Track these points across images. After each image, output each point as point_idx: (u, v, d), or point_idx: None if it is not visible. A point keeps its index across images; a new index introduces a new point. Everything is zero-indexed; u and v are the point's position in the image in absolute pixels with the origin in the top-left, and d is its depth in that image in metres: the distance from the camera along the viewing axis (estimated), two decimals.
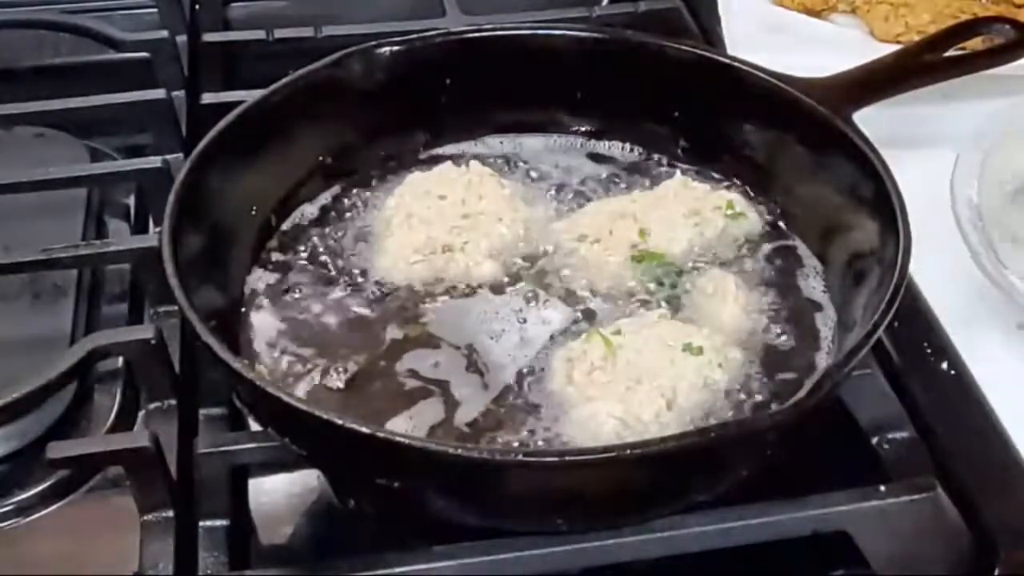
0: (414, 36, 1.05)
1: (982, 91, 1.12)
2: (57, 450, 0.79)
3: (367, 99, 1.03)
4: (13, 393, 0.82)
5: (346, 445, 0.74)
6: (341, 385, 0.86)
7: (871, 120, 0.97)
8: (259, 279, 0.94)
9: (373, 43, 1.03)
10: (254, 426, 0.84)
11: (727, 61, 1.04)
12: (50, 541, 0.85)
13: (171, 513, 0.80)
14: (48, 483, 0.87)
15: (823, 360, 0.88)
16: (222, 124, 0.94)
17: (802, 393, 0.76)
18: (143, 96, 1.12)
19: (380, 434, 0.72)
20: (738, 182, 1.03)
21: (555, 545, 0.77)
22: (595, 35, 1.08)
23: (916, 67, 1.02)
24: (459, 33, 1.08)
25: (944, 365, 0.92)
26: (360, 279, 0.95)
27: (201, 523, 0.81)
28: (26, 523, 0.86)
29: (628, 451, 0.73)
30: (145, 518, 0.80)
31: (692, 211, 0.97)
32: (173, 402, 0.89)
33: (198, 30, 1.27)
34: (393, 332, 0.91)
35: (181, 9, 1.29)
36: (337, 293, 0.94)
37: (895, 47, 1.11)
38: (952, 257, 0.95)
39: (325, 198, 1.02)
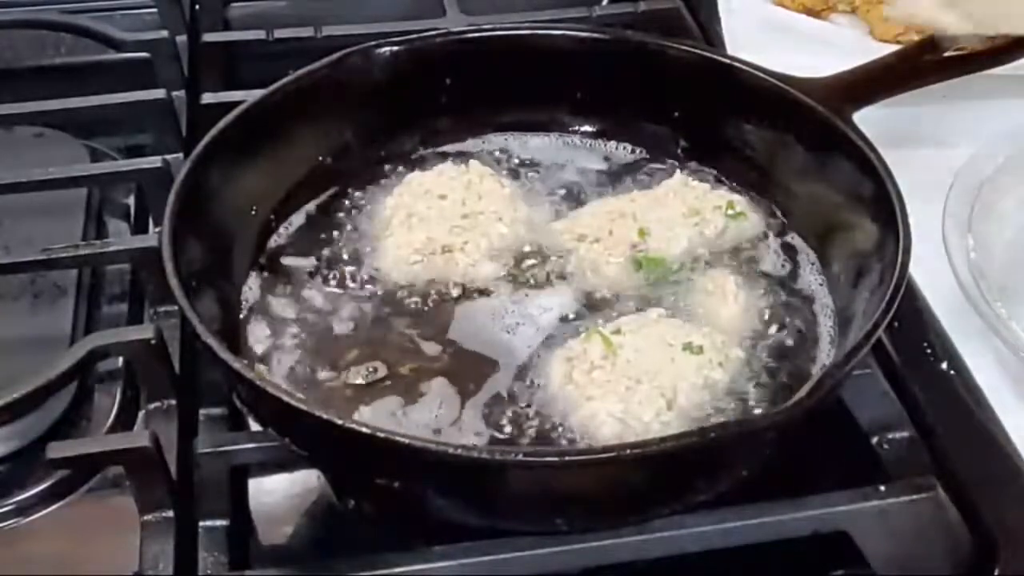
0: (414, 36, 1.05)
1: (982, 91, 1.12)
2: (57, 450, 0.79)
3: (367, 99, 1.03)
4: (13, 393, 0.82)
5: (346, 445, 0.74)
6: (341, 384, 0.87)
7: (871, 120, 0.97)
8: (259, 279, 0.94)
9: (373, 43, 1.04)
10: (254, 426, 0.84)
11: (727, 61, 1.04)
12: (50, 541, 0.85)
13: (171, 513, 0.80)
14: (48, 483, 0.87)
15: (823, 359, 0.88)
16: (222, 124, 0.94)
17: (802, 393, 0.76)
18: (143, 96, 1.12)
19: (380, 434, 0.72)
20: (738, 182, 1.03)
21: (555, 545, 0.76)
22: (595, 35, 1.08)
23: (916, 67, 1.02)
24: (459, 33, 1.08)
25: (944, 365, 0.92)
26: (360, 279, 0.95)
27: (201, 523, 0.81)
28: (26, 523, 0.86)
29: (628, 451, 0.73)
30: (145, 518, 0.80)
31: (692, 211, 0.97)
32: (173, 402, 0.89)
33: (198, 30, 1.27)
34: (393, 331, 0.91)
35: (181, 9, 1.29)
36: (337, 293, 0.94)
37: (895, 47, 1.11)
38: None
39: (325, 198, 1.02)
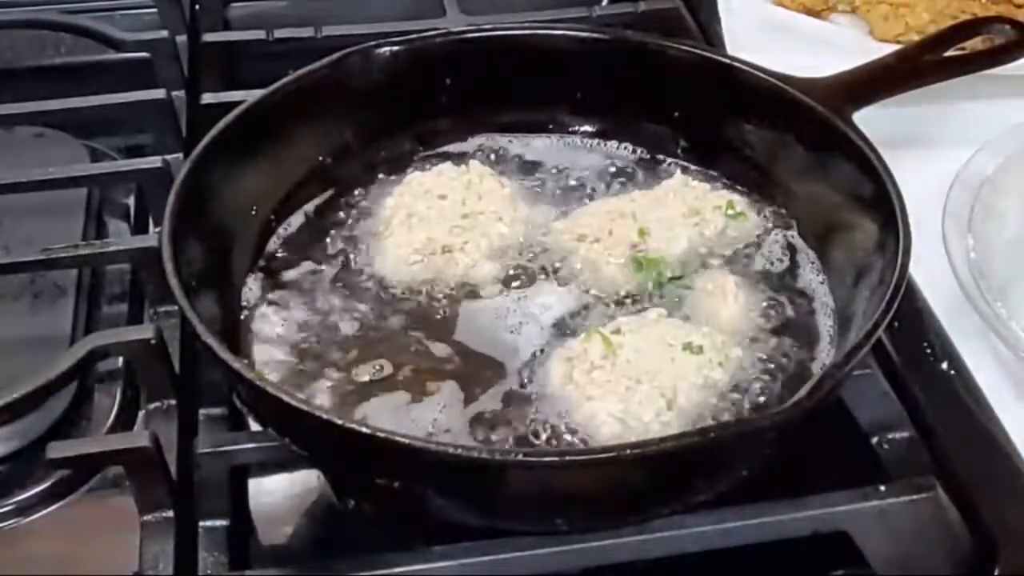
0: (414, 36, 1.05)
1: (982, 91, 1.13)
2: (57, 450, 0.79)
3: (367, 99, 1.03)
4: (13, 393, 0.82)
5: (346, 445, 0.74)
6: (340, 384, 0.87)
7: (871, 120, 0.97)
8: (259, 279, 0.94)
9: (373, 43, 1.04)
10: (254, 426, 0.84)
11: (727, 61, 1.04)
12: (50, 541, 0.85)
13: (171, 513, 0.80)
14: (48, 483, 0.87)
15: (823, 359, 0.88)
16: (222, 124, 0.94)
17: (802, 393, 0.76)
18: (143, 96, 1.12)
19: (380, 434, 0.72)
20: (738, 182, 1.03)
21: (555, 545, 0.76)
22: (595, 35, 1.08)
23: (916, 67, 1.02)
24: (459, 33, 1.08)
25: (944, 365, 0.92)
26: (360, 279, 0.95)
27: (201, 523, 0.81)
28: (26, 523, 0.86)
29: (628, 451, 0.73)
30: (145, 518, 0.80)
31: (692, 211, 0.97)
32: (173, 402, 0.89)
33: (198, 30, 1.27)
34: (394, 331, 0.91)
35: (181, 9, 1.29)
36: (337, 293, 0.94)
37: (895, 47, 1.11)
38: None
39: (325, 198, 1.02)
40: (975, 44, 1.08)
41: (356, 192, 1.02)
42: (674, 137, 1.06)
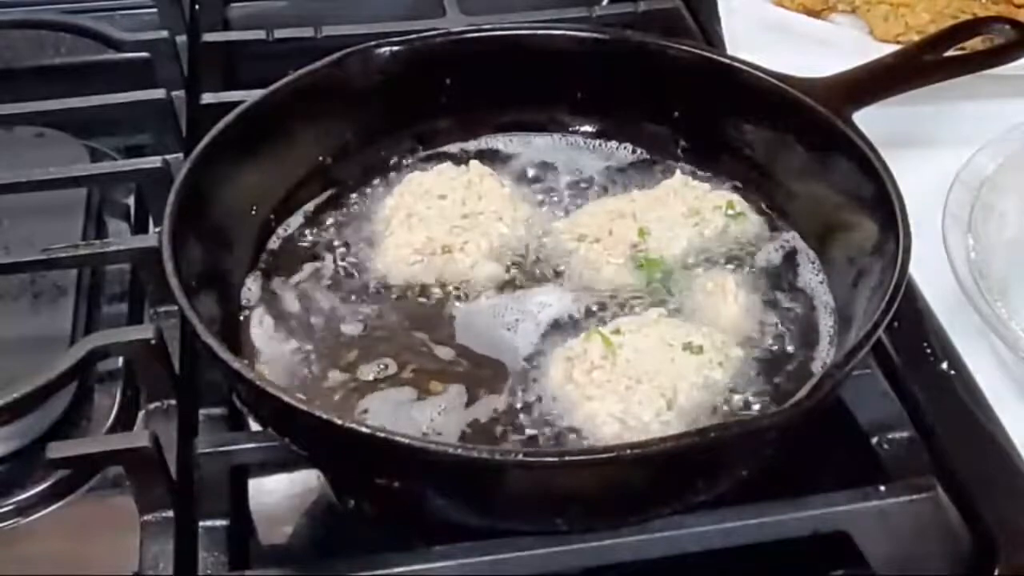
0: (414, 36, 1.05)
1: (982, 91, 1.13)
2: (57, 450, 0.79)
3: (367, 99, 1.03)
4: (13, 393, 0.82)
5: (346, 445, 0.74)
6: (341, 384, 0.87)
7: (871, 120, 0.97)
8: (259, 279, 0.94)
9: (373, 43, 1.04)
10: (254, 426, 0.84)
11: (727, 61, 1.04)
12: (50, 541, 0.85)
13: (171, 513, 0.80)
14: (48, 483, 0.87)
15: (823, 359, 0.88)
16: (222, 124, 0.94)
17: (802, 393, 0.76)
18: (143, 96, 1.12)
19: (380, 434, 0.72)
20: (738, 182, 1.03)
21: (555, 545, 0.76)
22: (595, 35, 1.08)
23: (916, 67, 1.02)
24: (459, 33, 1.08)
25: (944, 365, 0.92)
26: (359, 279, 0.95)
27: (201, 523, 0.81)
28: (26, 523, 0.86)
29: (628, 451, 0.73)
30: (145, 518, 0.80)
31: (692, 211, 0.97)
32: (173, 402, 0.89)
33: (198, 30, 1.27)
34: (394, 331, 0.91)
35: (181, 9, 1.29)
36: (336, 292, 0.94)
37: (895, 47, 1.11)
38: None
39: (324, 198, 1.02)
40: (975, 44, 1.08)
41: (356, 192, 1.02)
42: (674, 137, 1.06)
